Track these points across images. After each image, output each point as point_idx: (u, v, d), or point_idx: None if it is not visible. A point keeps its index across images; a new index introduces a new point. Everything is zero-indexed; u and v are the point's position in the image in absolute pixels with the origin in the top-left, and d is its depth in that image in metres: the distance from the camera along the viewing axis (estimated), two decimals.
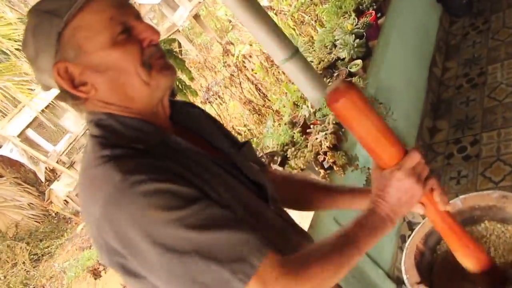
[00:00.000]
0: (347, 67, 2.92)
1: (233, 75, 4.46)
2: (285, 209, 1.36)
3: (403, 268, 1.74)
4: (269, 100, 3.96)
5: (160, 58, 1.05)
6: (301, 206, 1.60)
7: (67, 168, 11.73)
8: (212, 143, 1.21)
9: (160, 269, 0.91)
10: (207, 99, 4.70)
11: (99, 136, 1.00)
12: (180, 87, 2.67)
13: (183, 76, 2.82)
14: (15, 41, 7.10)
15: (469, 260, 1.37)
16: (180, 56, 2.70)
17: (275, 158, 2.55)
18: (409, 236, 3.06)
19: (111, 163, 0.93)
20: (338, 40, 3.09)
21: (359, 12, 3.39)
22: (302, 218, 2.26)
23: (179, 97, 2.71)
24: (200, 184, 0.97)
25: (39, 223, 11.58)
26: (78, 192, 1.03)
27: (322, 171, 2.33)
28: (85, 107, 1.04)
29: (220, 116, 4.45)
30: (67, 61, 0.98)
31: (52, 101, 11.52)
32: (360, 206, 1.41)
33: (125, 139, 0.99)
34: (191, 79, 2.75)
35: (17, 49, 7.12)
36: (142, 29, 1.02)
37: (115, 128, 1.01)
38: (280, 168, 2.49)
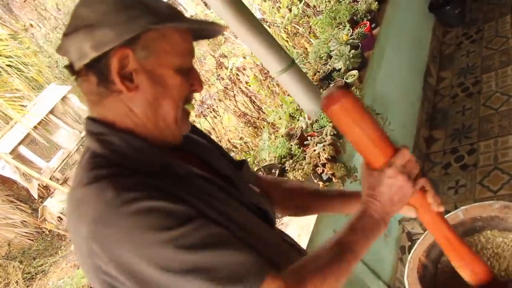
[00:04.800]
0: (343, 78, 2.90)
1: (227, 88, 4.43)
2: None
3: (406, 283, 1.71)
4: (264, 113, 3.94)
5: (187, 109, 1.10)
6: (291, 211, 1.60)
7: (60, 184, 11.62)
8: (213, 166, 1.18)
9: None
10: (202, 112, 4.67)
11: (99, 155, 0.97)
12: None
13: None
14: (6, 57, 7.07)
15: (465, 272, 1.33)
16: None
17: (273, 171, 2.52)
18: (409, 247, 3.05)
19: (106, 180, 0.89)
20: (333, 51, 3.08)
21: (354, 23, 3.39)
22: (302, 230, 2.24)
23: None
24: (200, 206, 0.95)
25: (32, 241, 11.43)
26: (66, 212, 0.98)
27: (321, 183, 2.30)
28: (107, 100, 0.99)
29: (214, 129, 4.42)
30: (134, 53, 0.95)
31: (44, 117, 11.47)
32: (350, 211, 1.42)
33: (126, 160, 0.96)
34: None
35: (8, 65, 7.08)
36: (196, 77, 1.07)
37: (118, 147, 0.98)
38: None
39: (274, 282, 0.89)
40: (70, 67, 1.00)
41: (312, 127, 2.66)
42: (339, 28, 3.38)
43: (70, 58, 0.99)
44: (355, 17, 3.43)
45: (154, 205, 0.87)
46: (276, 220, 2.39)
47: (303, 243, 2.16)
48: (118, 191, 0.87)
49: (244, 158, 2.92)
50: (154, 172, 0.96)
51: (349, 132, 1.08)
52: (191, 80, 1.06)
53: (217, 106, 4.56)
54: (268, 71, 3.77)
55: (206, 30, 1.11)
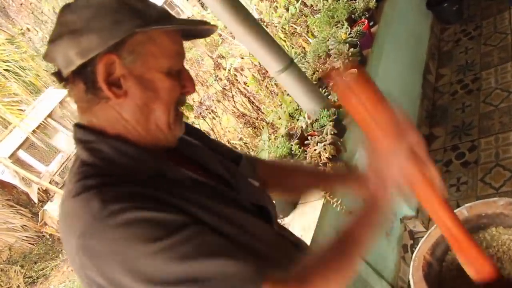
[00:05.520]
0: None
1: (225, 88, 4.42)
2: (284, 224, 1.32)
3: (411, 281, 1.70)
4: (263, 113, 3.92)
5: (180, 110, 1.07)
6: (288, 192, 1.62)
7: (60, 188, 11.60)
8: (208, 168, 1.16)
9: None
10: (200, 113, 4.66)
11: (88, 164, 0.95)
12: None
13: None
14: (4, 62, 7.05)
15: (469, 270, 1.32)
16: None
17: None
18: (411, 245, 3.03)
19: (92, 191, 0.87)
20: (332, 49, 3.06)
21: (352, 21, 3.37)
22: (304, 231, 2.22)
23: None
24: (194, 210, 0.93)
25: (33, 245, 11.43)
26: (58, 222, 0.97)
27: None
28: (96, 107, 0.97)
29: (213, 130, 4.40)
30: (120, 58, 0.93)
31: (43, 121, 11.46)
32: (345, 189, 1.45)
33: (116, 167, 0.94)
34: None
35: (5, 70, 7.07)
36: (187, 78, 1.05)
37: (107, 155, 0.95)
38: None
39: (272, 287, 0.87)
40: (58, 74, 0.97)
41: (312, 126, 2.64)
42: (337, 26, 3.37)
43: (57, 65, 0.96)
44: (353, 16, 3.41)
45: (141, 216, 0.84)
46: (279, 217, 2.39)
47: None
48: (104, 203, 0.84)
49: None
50: (145, 179, 0.94)
51: (356, 117, 1.06)
52: (183, 81, 1.03)
53: (215, 107, 4.55)
54: (266, 71, 3.76)
55: (197, 29, 1.08)
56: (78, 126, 1.00)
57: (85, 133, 0.98)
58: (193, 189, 1.00)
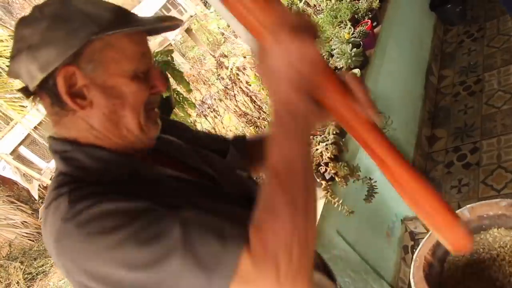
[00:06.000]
0: None
1: (227, 87, 4.41)
2: None
3: (412, 281, 1.70)
4: (265, 112, 3.92)
5: (155, 110, 1.04)
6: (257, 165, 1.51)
7: None
8: (189, 164, 1.14)
9: None
10: (202, 112, 4.66)
11: (64, 173, 0.94)
12: (178, 99, 2.62)
13: (180, 88, 2.77)
14: (6, 58, 7.04)
15: (414, 209, 0.97)
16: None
17: None
18: (412, 246, 3.03)
19: (62, 197, 0.87)
20: (334, 49, 3.06)
21: (355, 21, 3.37)
22: None
23: (177, 109, 2.66)
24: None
25: (33, 241, 11.40)
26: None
27: (323, 182, 2.28)
28: (65, 119, 0.96)
29: (215, 129, 4.40)
30: (79, 69, 0.91)
31: (44, 118, 11.44)
32: None
33: (90, 174, 0.93)
34: (189, 91, 2.70)
35: (8, 66, 7.06)
36: (156, 77, 1.01)
37: (81, 163, 0.95)
38: None
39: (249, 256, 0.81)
40: (25, 90, 0.96)
41: None
42: (340, 26, 3.36)
43: (23, 81, 0.95)
44: (356, 16, 3.41)
45: (104, 209, 0.83)
46: None
47: None
48: (70, 204, 0.84)
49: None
50: (120, 180, 0.93)
51: (238, 16, 0.92)
52: (152, 81, 1.00)
53: (217, 106, 4.55)
54: None
55: (160, 26, 1.02)
56: (51, 137, 1.00)
57: (60, 144, 0.97)
58: (171, 187, 0.99)
